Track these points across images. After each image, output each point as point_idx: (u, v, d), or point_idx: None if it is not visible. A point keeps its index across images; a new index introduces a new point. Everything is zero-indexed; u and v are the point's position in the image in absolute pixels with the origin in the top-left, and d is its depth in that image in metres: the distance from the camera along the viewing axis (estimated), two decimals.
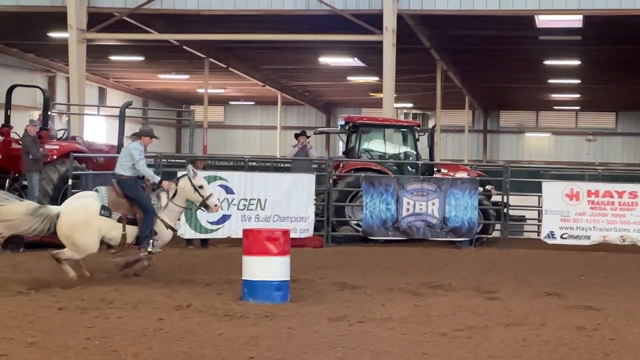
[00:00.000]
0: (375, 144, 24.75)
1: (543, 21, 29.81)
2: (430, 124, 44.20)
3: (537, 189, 22.74)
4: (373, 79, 42.73)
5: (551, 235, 21.87)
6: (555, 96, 52.49)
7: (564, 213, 21.76)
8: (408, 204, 21.96)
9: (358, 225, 22.66)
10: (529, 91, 50.73)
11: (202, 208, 15.02)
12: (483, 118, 59.59)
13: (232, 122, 61.98)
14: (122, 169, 14.43)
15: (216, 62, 39.70)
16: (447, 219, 21.89)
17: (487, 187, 23.56)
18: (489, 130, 59.81)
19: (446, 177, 23.23)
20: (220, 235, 20.90)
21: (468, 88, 47.61)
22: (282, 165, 29.60)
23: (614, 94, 49.75)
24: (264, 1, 27.49)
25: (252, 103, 60.73)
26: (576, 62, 39.35)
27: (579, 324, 11.12)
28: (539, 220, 22.78)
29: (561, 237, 21.84)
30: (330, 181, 22.69)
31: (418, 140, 24.76)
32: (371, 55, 34.72)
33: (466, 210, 21.93)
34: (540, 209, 22.62)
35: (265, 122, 60.86)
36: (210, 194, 14.92)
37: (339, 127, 25.83)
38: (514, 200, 22.98)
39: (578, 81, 45.34)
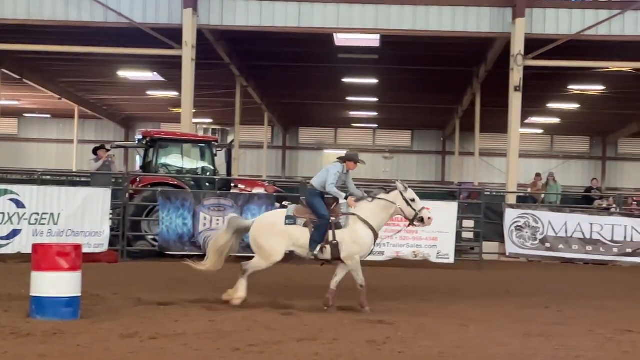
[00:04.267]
0: (173, 159, 24.67)
1: (341, 39, 30.37)
2: (230, 140, 44.26)
3: None
4: (173, 93, 42.50)
5: None
6: (354, 114, 53.43)
7: None
8: (205, 219, 21.92)
9: (154, 240, 22.46)
10: (328, 108, 51.45)
11: (415, 223, 15.18)
12: (282, 134, 60.11)
13: (27, 135, 60.37)
14: (316, 182, 15.09)
15: (9, 72, 38.57)
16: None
17: (284, 203, 23.68)
18: (288, 147, 60.37)
19: (243, 192, 23.28)
20: (9, 251, 20.34)
21: (268, 104, 47.93)
22: (77, 179, 29.02)
23: (410, 112, 51.05)
24: (60, 12, 26.95)
25: (48, 116, 59.32)
26: (374, 81, 40.21)
27: (370, 338, 11.29)
28: None
29: None
30: (127, 195, 22.40)
31: (216, 155, 24.78)
32: (171, 70, 34.55)
33: None
34: None
35: (62, 136, 59.54)
36: (423, 207, 15.03)
37: (137, 142, 25.58)
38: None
39: (376, 99, 46.30)
